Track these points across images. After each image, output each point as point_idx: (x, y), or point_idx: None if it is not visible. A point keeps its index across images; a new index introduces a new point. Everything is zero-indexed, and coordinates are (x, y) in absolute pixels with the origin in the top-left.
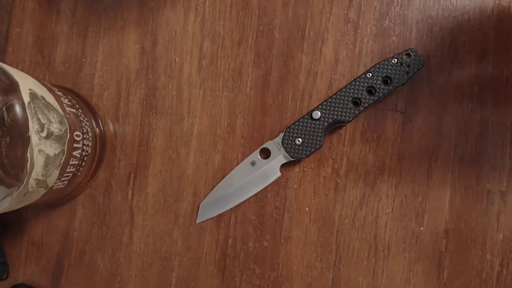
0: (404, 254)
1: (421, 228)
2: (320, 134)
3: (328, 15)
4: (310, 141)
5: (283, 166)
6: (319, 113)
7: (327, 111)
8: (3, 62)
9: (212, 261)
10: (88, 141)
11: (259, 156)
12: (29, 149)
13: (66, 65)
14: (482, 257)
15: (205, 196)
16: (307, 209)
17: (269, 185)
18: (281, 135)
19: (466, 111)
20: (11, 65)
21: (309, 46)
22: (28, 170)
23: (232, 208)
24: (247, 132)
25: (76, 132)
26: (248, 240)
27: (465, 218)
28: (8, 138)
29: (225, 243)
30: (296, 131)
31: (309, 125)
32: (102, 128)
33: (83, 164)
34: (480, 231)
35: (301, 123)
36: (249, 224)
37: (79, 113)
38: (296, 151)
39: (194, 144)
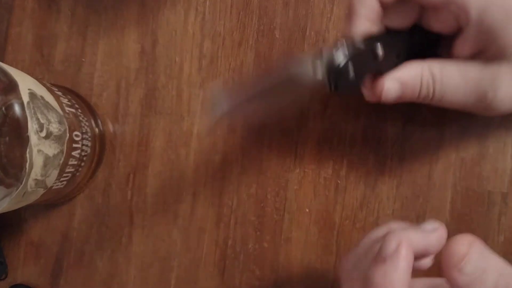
0: None
1: None
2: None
3: (329, 15)
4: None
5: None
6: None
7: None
8: (2, 61)
9: (211, 262)
10: (87, 141)
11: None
12: (28, 149)
13: (65, 64)
14: None
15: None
16: (307, 210)
17: (269, 185)
18: (327, 54)
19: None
20: (10, 64)
21: (309, 46)
22: (27, 170)
23: (232, 208)
24: (247, 132)
25: (76, 132)
26: (248, 241)
27: (466, 220)
28: (7, 138)
29: (225, 244)
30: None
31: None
32: (101, 128)
33: (82, 164)
34: (481, 232)
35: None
36: (249, 225)
37: (79, 113)
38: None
39: (194, 144)
